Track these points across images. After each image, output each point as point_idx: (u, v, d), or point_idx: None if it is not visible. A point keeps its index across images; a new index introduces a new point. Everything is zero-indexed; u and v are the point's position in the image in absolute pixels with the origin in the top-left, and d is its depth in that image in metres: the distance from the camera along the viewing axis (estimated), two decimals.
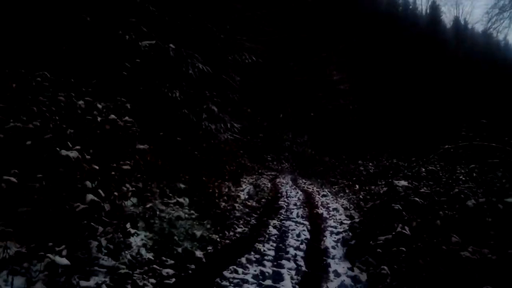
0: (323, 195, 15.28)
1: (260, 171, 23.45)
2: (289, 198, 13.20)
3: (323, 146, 36.24)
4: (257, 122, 35.36)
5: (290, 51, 31.94)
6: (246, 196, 11.69)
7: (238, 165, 19.92)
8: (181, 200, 8.09)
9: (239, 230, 8.55)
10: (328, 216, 11.22)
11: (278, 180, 20.45)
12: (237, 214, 9.57)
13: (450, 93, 45.45)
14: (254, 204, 11.18)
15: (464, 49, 57.28)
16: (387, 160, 25.20)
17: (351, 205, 13.19)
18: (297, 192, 15.09)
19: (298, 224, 9.78)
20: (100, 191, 4.90)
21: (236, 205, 10.12)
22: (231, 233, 8.09)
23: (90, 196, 4.61)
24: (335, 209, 12.41)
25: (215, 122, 12.46)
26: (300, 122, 38.88)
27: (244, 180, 15.86)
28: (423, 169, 18.09)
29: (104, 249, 4.83)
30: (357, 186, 18.31)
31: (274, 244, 7.82)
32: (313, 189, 17.26)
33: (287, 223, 9.78)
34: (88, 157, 4.87)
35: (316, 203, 13.29)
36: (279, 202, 12.24)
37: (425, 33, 53.33)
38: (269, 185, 16.63)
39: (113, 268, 4.57)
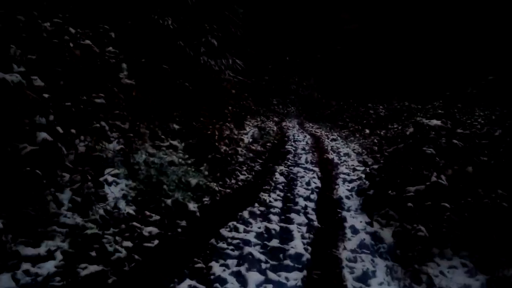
0: (333, 139, 14.15)
1: (265, 114, 22.21)
2: (296, 142, 12.08)
3: (330, 89, 34.64)
4: (263, 64, 33.61)
5: None
6: (250, 140, 10.56)
7: (242, 107, 18.67)
8: (175, 143, 6.97)
9: (242, 177, 7.50)
10: (339, 162, 10.15)
11: (284, 123, 19.28)
12: (240, 159, 8.49)
13: (463, 34, 42.62)
14: (259, 148, 10.08)
15: None
16: (398, 103, 23.85)
17: (363, 150, 12.08)
18: (305, 136, 13.95)
19: (307, 171, 8.72)
20: (59, 128, 3.73)
21: (239, 149, 9.01)
22: (233, 181, 7.04)
23: (42, 135, 3.45)
24: (346, 154, 11.32)
25: (215, 58, 10.99)
26: (306, 65, 37.02)
27: (248, 123, 14.67)
28: (440, 111, 16.80)
29: (68, 203, 3.76)
30: (367, 130, 17.15)
31: (282, 194, 6.78)
32: (321, 133, 16.10)
33: (295, 169, 8.71)
34: (39, 84, 3.63)
35: (326, 147, 12.19)
36: (286, 147, 11.13)
37: None
38: (275, 128, 15.47)
39: (77, 227, 3.52)
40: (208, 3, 11.25)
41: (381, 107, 23.66)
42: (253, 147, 9.84)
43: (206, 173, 6.56)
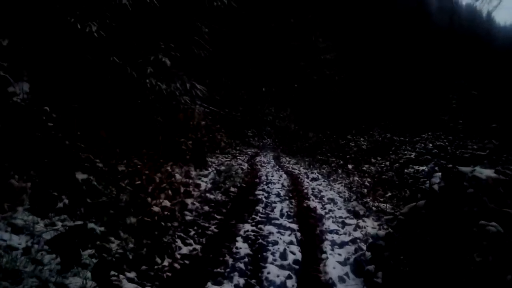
0: (313, 179, 11.73)
1: (238, 148, 19.77)
2: (270, 185, 9.57)
3: (308, 120, 32.74)
4: (237, 94, 31.55)
5: (271, 10, 27.74)
6: (210, 185, 7.99)
7: (211, 140, 16.21)
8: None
9: (184, 250, 4.88)
10: (323, 213, 7.67)
11: (258, 158, 16.82)
12: (189, 217, 5.88)
13: (438, 64, 42.25)
14: (219, 197, 7.50)
15: (449, 22, 53.97)
16: (380, 135, 21.96)
17: (351, 194, 9.68)
18: (281, 176, 11.47)
19: (282, 231, 6.18)
20: None
21: (190, 201, 6.43)
22: (167, 262, 4.41)
23: None
24: (331, 200, 8.88)
25: (167, 81, 8.57)
26: (283, 95, 35.19)
27: (214, 160, 12.12)
28: (430, 145, 14.77)
29: None
30: (350, 166, 14.90)
31: (242, 281, 4.22)
32: (299, 170, 13.68)
33: (267, 228, 6.17)
34: None
35: (305, 190, 9.73)
36: (257, 192, 8.60)
37: (411, 5, 49.70)
38: (246, 166, 12.96)
39: None
40: (159, 12, 8.92)
41: (362, 139, 21.70)
42: (211, 196, 7.26)
43: (117, 255, 3.94)
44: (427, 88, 38.34)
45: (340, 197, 9.42)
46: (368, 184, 10.59)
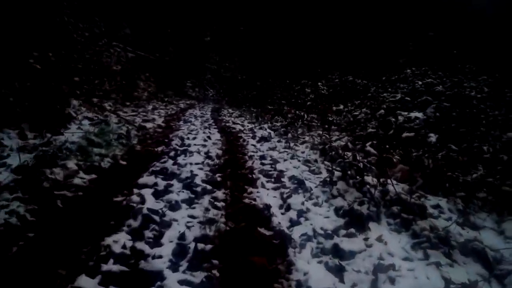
0: (262, 138, 7.10)
1: (166, 99, 14.63)
2: (182, 158, 4.81)
3: (257, 69, 27.72)
4: (176, 41, 25.65)
5: None
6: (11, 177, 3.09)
7: (120, 89, 11.02)
8: None
9: None
10: (287, 224, 3.13)
11: (190, 111, 11.90)
12: None
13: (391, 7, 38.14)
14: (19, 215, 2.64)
15: None
16: (339, 78, 17.69)
17: (328, 164, 5.20)
18: (209, 136, 6.70)
19: None
20: None
21: None
22: None
23: None
24: (297, 182, 4.35)
25: None
26: (228, 42, 29.68)
27: (93, 116, 7.00)
28: (420, 83, 10.59)
29: None
30: (305, 115, 10.49)
31: None
32: (243, 125, 8.99)
33: None
34: None
35: (250, 162, 5.11)
36: (143, 180, 3.82)
37: None
38: (159, 121, 8.02)
39: None
40: None
41: (320, 83, 17.30)
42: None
43: None
44: (386, 35, 34.38)
45: (312, 171, 4.94)
46: (350, 144, 6.19)
